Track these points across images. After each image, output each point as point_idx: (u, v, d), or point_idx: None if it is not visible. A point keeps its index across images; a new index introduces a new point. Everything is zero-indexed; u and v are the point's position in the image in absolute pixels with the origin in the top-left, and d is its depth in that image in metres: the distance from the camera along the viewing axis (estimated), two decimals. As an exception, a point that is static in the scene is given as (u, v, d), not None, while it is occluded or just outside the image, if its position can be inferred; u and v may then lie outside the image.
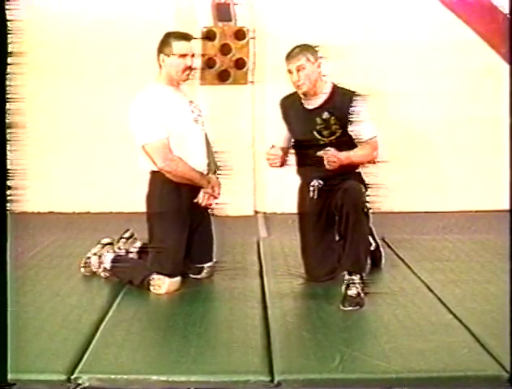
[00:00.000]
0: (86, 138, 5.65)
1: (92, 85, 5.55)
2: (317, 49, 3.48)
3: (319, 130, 3.47)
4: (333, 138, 3.46)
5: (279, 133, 3.66)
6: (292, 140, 3.65)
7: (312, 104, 3.51)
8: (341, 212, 3.30)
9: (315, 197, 3.51)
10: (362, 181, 3.49)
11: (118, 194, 5.56)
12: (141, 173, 3.52)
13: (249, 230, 5.18)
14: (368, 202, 3.37)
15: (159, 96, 3.43)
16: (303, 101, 3.54)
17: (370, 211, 3.40)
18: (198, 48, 4.91)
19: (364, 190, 3.41)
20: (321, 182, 3.50)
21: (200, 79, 5.40)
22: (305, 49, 3.46)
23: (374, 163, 3.55)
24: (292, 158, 3.65)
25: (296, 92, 3.57)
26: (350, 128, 3.46)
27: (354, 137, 3.48)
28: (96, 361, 2.63)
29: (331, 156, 3.34)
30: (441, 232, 4.99)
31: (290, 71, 3.46)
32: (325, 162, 3.35)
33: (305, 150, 3.56)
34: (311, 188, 3.51)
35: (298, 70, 3.42)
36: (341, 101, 3.47)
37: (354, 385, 2.51)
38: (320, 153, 3.38)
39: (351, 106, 3.44)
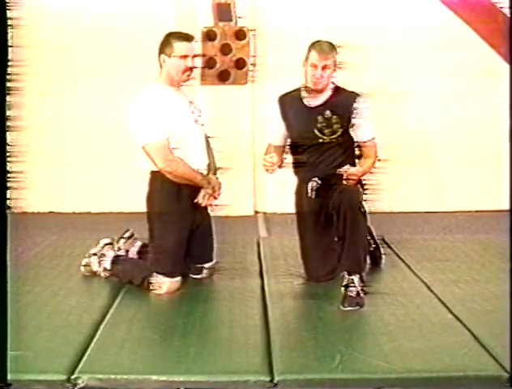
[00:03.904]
0: (86, 138, 5.65)
1: (92, 85, 5.55)
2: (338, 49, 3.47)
3: (320, 128, 3.46)
4: (333, 137, 3.47)
5: (276, 131, 3.64)
6: (289, 140, 3.63)
7: (314, 102, 3.50)
8: (338, 213, 3.29)
9: (313, 197, 3.52)
10: (359, 181, 3.48)
11: (118, 194, 5.57)
12: (141, 173, 3.52)
13: (249, 230, 5.18)
14: (365, 202, 3.37)
15: (159, 97, 3.42)
16: (304, 99, 3.52)
17: (368, 210, 3.40)
18: (198, 48, 4.91)
19: (360, 190, 3.40)
20: (318, 182, 3.50)
21: (200, 79, 5.40)
22: (334, 48, 3.44)
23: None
24: (288, 157, 3.63)
25: (296, 90, 3.55)
26: (351, 128, 3.47)
27: (355, 138, 3.49)
28: (96, 361, 2.63)
29: (352, 175, 3.36)
30: (441, 232, 4.99)
31: (314, 65, 3.40)
32: (344, 178, 3.36)
33: (303, 149, 3.55)
34: (309, 188, 3.51)
35: (324, 68, 3.39)
36: (343, 101, 3.47)
37: (354, 385, 2.51)
38: (341, 171, 3.38)
39: (352, 107, 3.45)
